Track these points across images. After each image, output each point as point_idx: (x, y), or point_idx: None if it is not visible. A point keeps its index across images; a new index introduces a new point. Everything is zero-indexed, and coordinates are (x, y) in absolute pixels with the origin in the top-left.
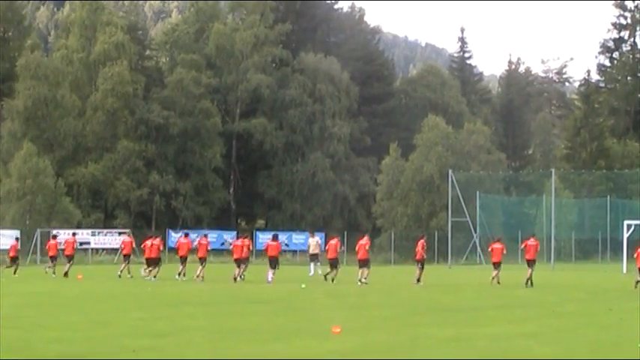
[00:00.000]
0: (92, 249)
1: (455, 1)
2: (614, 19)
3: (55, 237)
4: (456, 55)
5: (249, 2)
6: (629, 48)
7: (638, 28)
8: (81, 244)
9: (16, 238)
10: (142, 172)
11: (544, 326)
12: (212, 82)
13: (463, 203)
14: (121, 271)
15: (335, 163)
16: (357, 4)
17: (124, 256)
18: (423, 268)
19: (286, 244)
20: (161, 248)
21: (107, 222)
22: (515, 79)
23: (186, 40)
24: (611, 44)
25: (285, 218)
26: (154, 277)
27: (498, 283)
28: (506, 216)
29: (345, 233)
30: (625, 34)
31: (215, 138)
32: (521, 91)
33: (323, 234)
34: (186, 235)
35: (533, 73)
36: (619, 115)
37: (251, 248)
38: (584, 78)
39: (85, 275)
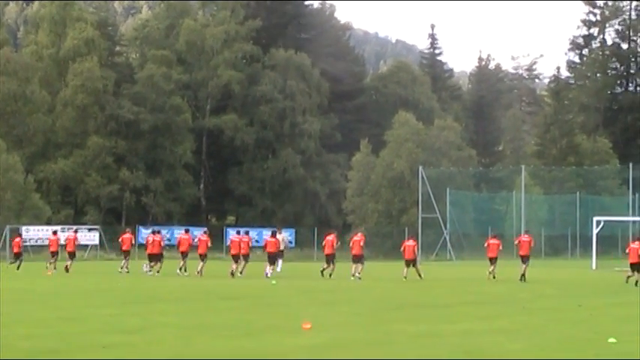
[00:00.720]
0: (62, 245)
1: None
2: (584, 16)
3: (55, 233)
4: (426, 51)
5: None
6: (598, 45)
7: (607, 25)
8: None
9: (19, 234)
10: (112, 168)
11: (515, 322)
12: (182, 78)
13: (433, 199)
14: (122, 268)
15: (306, 159)
16: (328, 0)
17: (124, 252)
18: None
19: (256, 241)
20: (162, 244)
21: (77, 218)
22: (486, 76)
23: (156, 36)
24: (580, 41)
25: (255, 215)
26: (157, 272)
27: (494, 277)
28: (476, 212)
29: (316, 229)
30: (594, 30)
31: (185, 134)
32: (492, 88)
33: (293, 230)
34: (187, 230)
35: (503, 69)
36: (589, 112)
37: (251, 245)
38: (554, 75)
39: (54, 271)
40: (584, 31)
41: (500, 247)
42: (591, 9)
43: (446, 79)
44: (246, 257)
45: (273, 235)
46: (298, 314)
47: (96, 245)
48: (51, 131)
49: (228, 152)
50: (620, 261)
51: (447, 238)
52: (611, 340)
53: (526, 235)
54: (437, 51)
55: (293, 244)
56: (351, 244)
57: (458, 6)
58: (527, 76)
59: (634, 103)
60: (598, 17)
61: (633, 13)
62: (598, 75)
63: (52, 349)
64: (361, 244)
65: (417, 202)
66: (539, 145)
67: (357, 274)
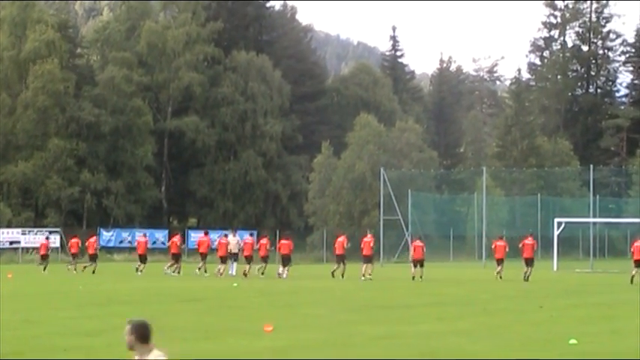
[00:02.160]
0: (22, 248)
1: (387, 0)
2: (545, 18)
3: (75, 236)
4: (387, 53)
5: (180, 0)
6: (559, 47)
7: (568, 27)
8: (11, 243)
9: (47, 238)
10: (73, 170)
11: (475, 323)
12: (144, 80)
13: (395, 201)
14: (140, 270)
15: (267, 161)
16: (289, 2)
17: (140, 255)
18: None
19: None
20: (180, 245)
21: (37, 221)
22: (447, 78)
23: (117, 38)
24: (541, 43)
25: (217, 217)
26: (178, 272)
27: (500, 278)
28: (437, 214)
29: (277, 232)
30: (555, 32)
31: (147, 136)
32: (453, 90)
33: (255, 232)
34: (206, 233)
35: (464, 71)
36: (549, 114)
37: (269, 248)
38: (515, 76)
39: (15, 274)
40: (544, 33)
41: (507, 249)
42: (552, 11)
43: (407, 81)
44: (265, 259)
45: (286, 237)
46: (259, 316)
47: (57, 248)
48: (11, 133)
49: (189, 154)
50: (581, 262)
51: (409, 240)
52: (572, 341)
53: (530, 239)
54: (398, 53)
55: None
56: (361, 244)
57: (419, 8)
58: (488, 78)
59: (594, 104)
60: (558, 19)
61: (593, 15)
62: (558, 77)
63: (13, 352)
64: (371, 244)
65: (378, 203)
66: (500, 146)
67: (367, 275)
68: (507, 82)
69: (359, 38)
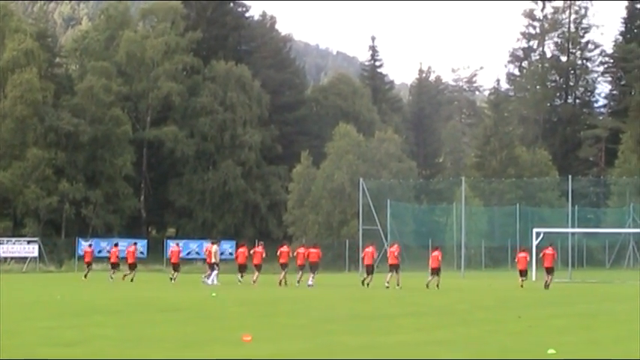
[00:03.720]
0: (1, 258)
1: (366, 10)
2: (524, 29)
3: (116, 245)
4: (367, 63)
5: (159, 10)
6: (537, 57)
7: (546, 38)
8: None
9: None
10: (52, 180)
11: (454, 333)
12: (122, 89)
13: (374, 211)
14: (174, 279)
15: (246, 171)
16: (269, 12)
17: (174, 264)
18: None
19: (197, 253)
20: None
21: (16, 230)
22: (426, 88)
23: (96, 47)
24: (520, 53)
25: (196, 226)
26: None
27: (522, 286)
28: (417, 224)
29: (256, 241)
30: (534, 43)
31: (125, 146)
32: (432, 100)
33: (234, 242)
34: (243, 244)
35: (443, 81)
36: (528, 124)
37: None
38: (494, 87)
39: None
40: (523, 43)
41: (529, 259)
42: (531, 21)
43: (386, 91)
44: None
45: (315, 246)
46: (238, 326)
47: (35, 257)
48: None
49: (168, 164)
50: (560, 272)
51: (388, 250)
52: (551, 351)
53: (550, 249)
54: (377, 63)
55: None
56: (387, 254)
57: (399, 18)
58: (467, 88)
59: (573, 115)
60: (537, 30)
61: (572, 25)
62: (537, 87)
63: None
64: (396, 254)
65: (357, 213)
66: (479, 157)
67: (397, 285)
68: (486, 93)
69: (338, 48)
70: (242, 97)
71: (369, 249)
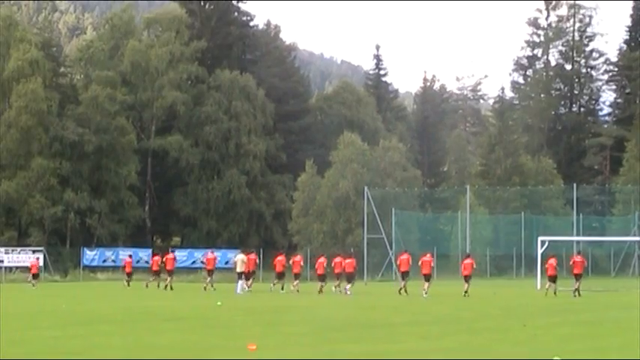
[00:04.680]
0: (5, 267)
1: (370, 19)
2: (528, 37)
3: (156, 254)
4: (371, 72)
5: (164, 19)
6: (542, 65)
7: (551, 46)
8: None
9: (130, 255)
10: (57, 189)
11: (459, 342)
12: (127, 99)
13: (379, 220)
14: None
15: (251, 180)
16: (273, 21)
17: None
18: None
19: (202, 262)
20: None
21: (21, 240)
22: (431, 96)
23: (100, 56)
24: (524, 62)
25: (201, 236)
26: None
27: (554, 293)
28: (421, 232)
29: (262, 250)
30: (538, 51)
31: (130, 155)
32: (437, 108)
33: (239, 251)
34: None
35: (448, 90)
36: (533, 132)
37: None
38: (499, 95)
39: None
40: (528, 51)
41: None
42: (535, 30)
43: (391, 100)
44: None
45: (350, 255)
46: (243, 335)
47: (40, 267)
48: None
49: (173, 173)
50: (564, 281)
51: (393, 259)
52: (556, 358)
53: (579, 256)
54: (382, 72)
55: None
56: (420, 263)
57: (403, 27)
58: (471, 97)
59: (577, 123)
60: (542, 38)
61: (576, 34)
62: (542, 95)
63: None
64: (431, 264)
65: (362, 222)
66: (484, 165)
67: (423, 292)
68: (491, 101)
69: (343, 57)
70: (246, 106)
71: (404, 256)
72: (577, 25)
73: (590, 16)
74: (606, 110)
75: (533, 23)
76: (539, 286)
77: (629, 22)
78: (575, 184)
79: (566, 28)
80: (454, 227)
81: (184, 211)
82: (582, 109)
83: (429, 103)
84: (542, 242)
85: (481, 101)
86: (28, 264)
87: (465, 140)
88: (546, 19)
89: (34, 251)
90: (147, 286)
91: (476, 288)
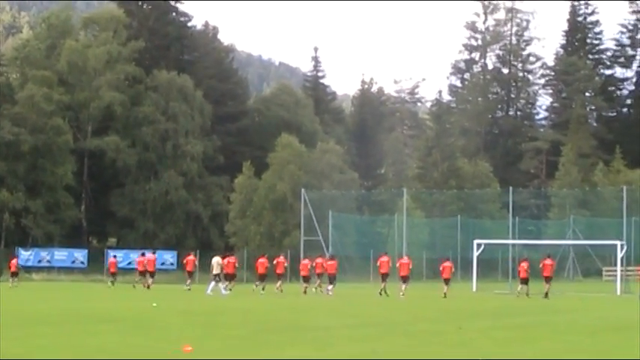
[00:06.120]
0: None
1: (309, 21)
2: (466, 41)
3: (142, 254)
4: (309, 74)
5: (101, 19)
6: (479, 69)
7: (488, 50)
8: None
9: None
10: None
11: (395, 345)
12: (64, 98)
13: (316, 222)
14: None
15: (188, 181)
16: (211, 22)
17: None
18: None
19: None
20: (237, 265)
21: None
22: (368, 99)
23: (37, 56)
24: (462, 65)
25: (137, 237)
26: (230, 289)
27: (527, 295)
28: (358, 235)
29: (199, 252)
30: (476, 55)
31: (66, 155)
32: (374, 111)
33: (175, 252)
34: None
35: (385, 93)
36: (470, 136)
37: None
38: (436, 98)
39: None
40: (465, 55)
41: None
42: (473, 34)
43: (329, 102)
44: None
45: (332, 258)
46: (179, 337)
47: None
48: None
49: (109, 174)
50: (500, 284)
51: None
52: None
53: (549, 260)
54: (320, 74)
55: (175, 266)
56: (441, 268)
57: (341, 29)
58: (409, 100)
59: (514, 127)
60: (479, 42)
61: (514, 38)
62: (479, 99)
63: None
64: (452, 269)
65: (299, 224)
66: (421, 168)
67: (444, 293)
68: (428, 104)
69: (281, 59)
70: (184, 107)
71: (384, 258)
72: (514, 29)
73: (528, 21)
74: (542, 114)
75: (471, 27)
76: (474, 289)
77: (565, 27)
78: (511, 188)
79: (504, 32)
80: (391, 230)
81: (121, 212)
82: (519, 113)
83: (367, 105)
84: (478, 245)
85: (419, 104)
86: None
87: (402, 143)
88: (484, 22)
89: None
90: (134, 286)
91: (412, 291)
